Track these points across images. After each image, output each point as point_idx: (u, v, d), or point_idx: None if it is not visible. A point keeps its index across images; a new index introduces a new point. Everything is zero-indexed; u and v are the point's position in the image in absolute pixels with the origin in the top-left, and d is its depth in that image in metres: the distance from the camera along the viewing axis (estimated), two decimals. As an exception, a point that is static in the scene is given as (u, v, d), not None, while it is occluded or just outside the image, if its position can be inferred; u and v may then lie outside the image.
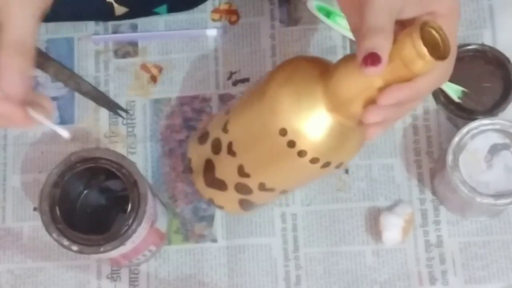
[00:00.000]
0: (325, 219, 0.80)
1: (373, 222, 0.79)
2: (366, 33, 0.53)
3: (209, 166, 0.72)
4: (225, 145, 0.68)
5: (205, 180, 0.74)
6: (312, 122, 0.60)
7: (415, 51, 0.52)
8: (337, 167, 0.64)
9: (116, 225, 0.69)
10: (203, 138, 0.73)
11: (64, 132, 0.57)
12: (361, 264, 0.79)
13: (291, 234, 0.80)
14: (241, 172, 0.68)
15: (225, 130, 0.68)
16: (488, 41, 0.83)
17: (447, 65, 0.57)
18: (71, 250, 0.68)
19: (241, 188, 0.71)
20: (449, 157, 0.72)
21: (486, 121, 0.73)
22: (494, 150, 0.73)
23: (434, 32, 0.54)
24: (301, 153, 0.61)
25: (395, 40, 0.53)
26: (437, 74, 0.56)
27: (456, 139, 0.72)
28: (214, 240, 0.80)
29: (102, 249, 0.68)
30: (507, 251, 0.78)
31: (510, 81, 0.79)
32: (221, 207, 0.76)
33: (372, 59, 0.52)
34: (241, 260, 0.80)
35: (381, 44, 0.52)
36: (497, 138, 0.73)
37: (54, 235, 0.68)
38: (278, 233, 0.80)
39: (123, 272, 0.80)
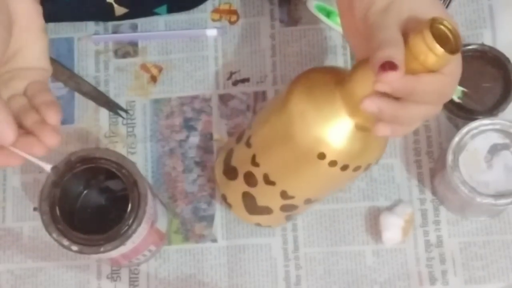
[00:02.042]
0: (325, 219, 0.80)
1: (373, 222, 0.79)
2: (379, 46, 0.54)
3: (248, 198, 0.72)
4: (261, 177, 0.68)
5: (247, 210, 0.74)
6: (337, 129, 0.61)
7: (427, 47, 0.53)
8: (366, 169, 0.65)
9: (116, 225, 0.69)
10: (231, 173, 0.72)
11: (46, 166, 0.58)
12: (361, 264, 0.79)
13: (291, 234, 0.80)
14: (285, 196, 0.69)
15: (254, 163, 0.68)
16: (488, 41, 0.83)
17: (457, 67, 0.57)
18: (71, 250, 0.68)
19: (287, 208, 0.72)
20: (449, 157, 0.72)
21: (486, 121, 0.73)
22: (494, 150, 0.73)
23: (443, 27, 0.54)
24: (331, 163, 0.62)
25: (405, 42, 0.54)
26: (447, 75, 0.56)
27: (456, 139, 0.72)
28: (214, 240, 0.80)
29: (102, 249, 0.68)
30: (507, 251, 0.78)
31: (510, 81, 0.79)
32: (269, 227, 0.79)
33: (390, 65, 0.52)
34: (241, 260, 0.80)
35: (395, 52, 0.53)
36: (497, 138, 0.73)
37: (54, 235, 0.68)
38: (278, 233, 0.80)
39: (123, 272, 0.80)
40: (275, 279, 0.79)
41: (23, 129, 0.56)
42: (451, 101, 0.80)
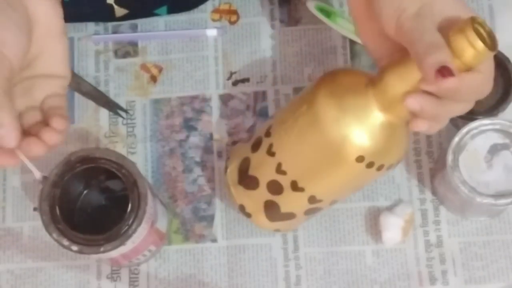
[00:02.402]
0: (325, 219, 0.80)
1: (373, 222, 0.79)
2: (426, 50, 0.55)
3: (271, 206, 0.71)
4: (288, 185, 0.68)
5: (268, 217, 0.73)
6: (368, 126, 0.62)
7: (469, 43, 0.55)
8: (388, 168, 0.65)
9: (116, 225, 0.69)
10: (250, 183, 0.71)
11: (38, 174, 0.60)
12: (361, 264, 0.79)
13: (291, 234, 0.80)
14: (312, 200, 0.69)
15: (280, 171, 0.68)
16: (488, 41, 0.83)
17: (491, 65, 0.58)
18: (71, 250, 0.68)
19: (311, 211, 0.72)
20: (449, 157, 0.72)
21: (486, 121, 0.73)
22: (494, 150, 0.73)
23: (478, 26, 0.56)
24: (359, 159, 0.62)
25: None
26: (484, 73, 0.57)
27: (456, 139, 0.72)
28: (214, 240, 0.80)
29: (102, 249, 0.68)
30: (507, 251, 0.78)
31: (510, 81, 0.78)
32: (286, 231, 0.78)
33: (447, 71, 0.54)
34: (241, 260, 0.80)
35: (446, 56, 0.55)
36: (497, 138, 0.73)
37: (54, 235, 0.68)
38: (278, 233, 0.80)
39: (123, 272, 0.80)
40: (275, 279, 0.79)
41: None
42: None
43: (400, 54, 0.59)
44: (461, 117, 0.78)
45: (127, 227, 0.68)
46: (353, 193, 0.77)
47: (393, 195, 0.80)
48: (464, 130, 0.72)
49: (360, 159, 0.62)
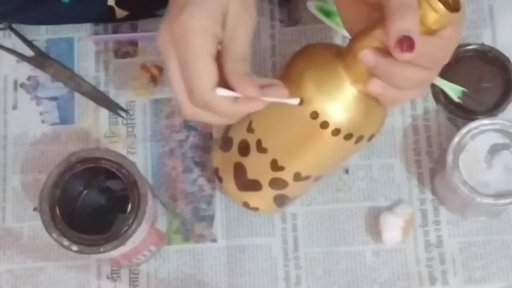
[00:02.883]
0: (325, 219, 0.80)
1: (373, 222, 0.79)
2: (397, 12, 0.55)
3: (239, 170, 0.72)
4: (254, 144, 0.69)
5: (237, 184, 0.73)
6: (340, 97, 0.62)
7: (429, 6, 0.55)
8: (369, 139, 0.66)
9: (116, 225, 0.69)
10: (226, 144, 0.73)
11: (294, 101, 0.61)
12: (361, 264, 0.79)
13: (291, 234, 0.80)
14: (275, 166, 0.69)
15: (250, 130, 0.69)
16: (488, 41, 0.83)
17: (455, 32, 0.58)
18: (71, 250, 0.68)
19: (276, 184, 0.71)
20: (449, 157, 0.72)
21: (486, 121, 0.73)
22: (494, 150, 0.73)
23: None
24: (334, 132, 0.63)
25: None
26: (444, 39, 0.57)
27: (456, 139, 0.72)
28: (214, 240, 0.80)
29: (102, 249, 0.68)
30: (507, 251, 0.78)
31: (510, 81, 0.79)
32: (256, 209, 0.76)
33: (408, 44, 0.54)
34: (241, 260, 0.80)
35: (413, 25, 0.55)
36: (497, 138, 0.73)
37: (54, 235, 0.68)
38: (278, 233, 0.80)
39: (123, 272, 0.80)
40: (275, 279, 0.79)
41: None
42: (451, 101, 0.80)
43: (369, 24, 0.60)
44: (461, 117, 0.79)
45: (127, 227, 0.68)
46: (331, 168, 0.76)
47: (393, 195, 0.80)
48: (464, 130, 0.72)
49: (335, 132, 0.63)
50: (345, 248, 0.79)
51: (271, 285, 0.79)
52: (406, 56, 0.55)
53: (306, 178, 0.71)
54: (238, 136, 0.71)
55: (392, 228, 0.77)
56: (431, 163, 0.81)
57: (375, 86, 0.59)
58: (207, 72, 0.58)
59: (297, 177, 0.70)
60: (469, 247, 0.78)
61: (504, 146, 0.73)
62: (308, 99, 0.62)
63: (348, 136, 0.64)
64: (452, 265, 0.78)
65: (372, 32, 0.58)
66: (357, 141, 0.65)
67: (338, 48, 0.65)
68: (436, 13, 0.56)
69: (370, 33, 0.59)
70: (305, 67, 0.64)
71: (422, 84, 0.61)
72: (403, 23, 0.55)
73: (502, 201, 0.71)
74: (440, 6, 0.55)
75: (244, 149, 0.70)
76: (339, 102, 0.62)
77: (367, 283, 0.78)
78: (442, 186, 0.77)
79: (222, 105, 0.58)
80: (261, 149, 0.68)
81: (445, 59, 0.60)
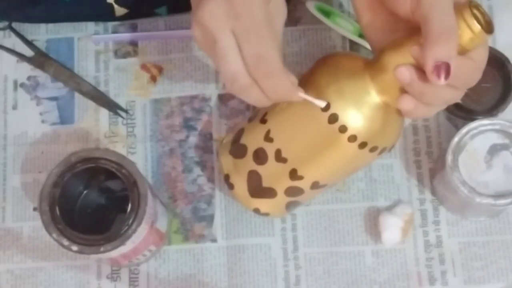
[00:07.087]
0: (325, 219, 0.80)
1: (373, 223, 0.79)
2: (438, 36, 0.55)
3: (253, 178, 0.71)
4: (272, 154, 0.68)
5: (250, 191, 0.73)
6: (362, 105, 0.62)
7: (466, 24, 0.56)
8: (381, 152, 0.66)
9: (116, 225, 0.69)
10: (238, 151, 0.72)
11: (321, 103, 0.62)
12: (361, 264, 0.79)
13: (290, 234, 0.80)
14: (294, 176, 0.69)
15: (268, 139, 0.68)
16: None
17: (484, 54, 0.59)
18: (71, 250, 0.68)
19: (292, 191, 0.71)
20: (449, 157, 0.72)
21: (485, 121, 0.73)
22: (494, 150, 0.73)
23: (476, 11, 0.57)
24: (351, 138, 0.63)
25: None
26: (476, 61, 0.58)
27: (456, 139, 0.72)
28: (214, 240, 0.80)
29: (102, 249, 0.68)
30: (507, 251, 0.78)
31: (510, 81, 0.79)
32: (267, 214, 0.75)
33: (445, 71, 0.55)
34: (241, 260, 0.80)
35: (454, 52, 0.55)
36: (497, 138, 0.73)
37: (54, 235, 0.68)
38: (277, 233, 0.80)
39: (123, 272, 0.80)
40: (275, 279, 0.79)
41: None
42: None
43: (397, 37, 0.60)
44: (460, 117, 0.79)
45: (127, 227, 0.68)
46: (344, 178, 0.76)
47: (392, 195, 0.80)
48: (464, 130, 0.72)
49: (352, 138, 0.63)
50: (344, 248, 0.79)
51: (271, 285, 0.79)
52: (442, 82, 0.55)
53: (323, 186, 0.71)
54: (253, 144, 0.70)
55: (392, 228, 0.77)
56: (430, 163, 0.81)
57: (408, 104, 0.60)
58: (275, 38, 0.59)
59: (315, 185, 0.70)
60: (469, 247, 0.78)
61: (504, 146, 0.73)
62: (331, 103, 0.63)
63: (362, 145, 0.64)
64: (452, 265, 0.78)
65: (406, 47, 0.58)
66: (370, 151, 0.65)
67: (363, 58, 0.65)
68: (472, 33, 0.56)
69: (403, 47, 0.59)
70: (330, 74, 0.64)
71: (450, 102, 0.62)
72: (444, 50, 0.55)
73: (501, 201, 0.71)
74: (477, 26, 0.55)
75: (260, 157, 0.70)
76: (360, 109, 0.62)
77: (366, 283, 0.78)
78: (441, 186, 0.77)
79: (283, 78, 0.59)
80: (280, 158, 0.68)
81: (475, 80, 0.60)
